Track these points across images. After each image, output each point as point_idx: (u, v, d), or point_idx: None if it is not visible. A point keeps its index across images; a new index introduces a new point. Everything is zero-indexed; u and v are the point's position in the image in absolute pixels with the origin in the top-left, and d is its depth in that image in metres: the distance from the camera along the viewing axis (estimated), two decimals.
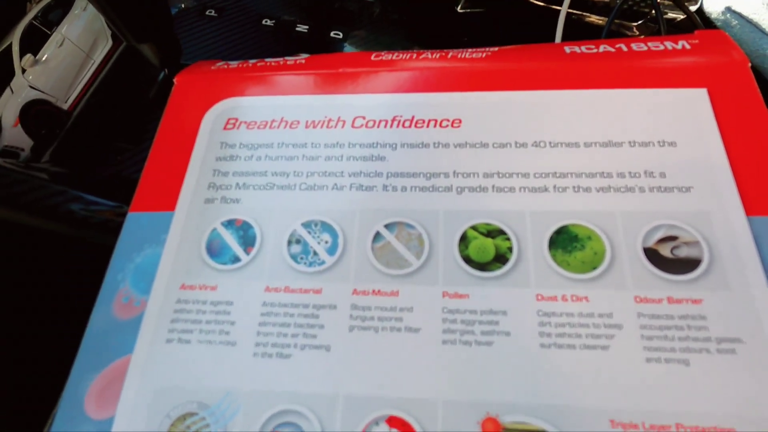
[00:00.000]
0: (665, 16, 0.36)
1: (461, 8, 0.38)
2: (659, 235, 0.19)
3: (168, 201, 0.22)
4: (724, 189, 0.20)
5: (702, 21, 0.34)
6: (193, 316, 0.20)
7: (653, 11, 0.34)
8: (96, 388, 0.19)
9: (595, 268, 0.19)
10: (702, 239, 0.19)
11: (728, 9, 0.34)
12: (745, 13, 0.33)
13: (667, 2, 0.35)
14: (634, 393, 0.17)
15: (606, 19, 0.33)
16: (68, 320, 0.22)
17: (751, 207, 0.19)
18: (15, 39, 0.37)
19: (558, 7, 0.34)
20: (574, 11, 0.35)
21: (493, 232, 0.20)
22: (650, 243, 0.19)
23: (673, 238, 0.19)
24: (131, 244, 0.22)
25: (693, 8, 0.35)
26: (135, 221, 0.22)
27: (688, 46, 0.24)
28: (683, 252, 0.19)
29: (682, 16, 0.36)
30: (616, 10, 0.31)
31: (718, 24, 0.34)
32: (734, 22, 0.34)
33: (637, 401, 0.17)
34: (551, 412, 0.17)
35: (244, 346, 0.19)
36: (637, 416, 0.16)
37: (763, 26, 0.32)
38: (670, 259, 0.19)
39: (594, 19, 0.36)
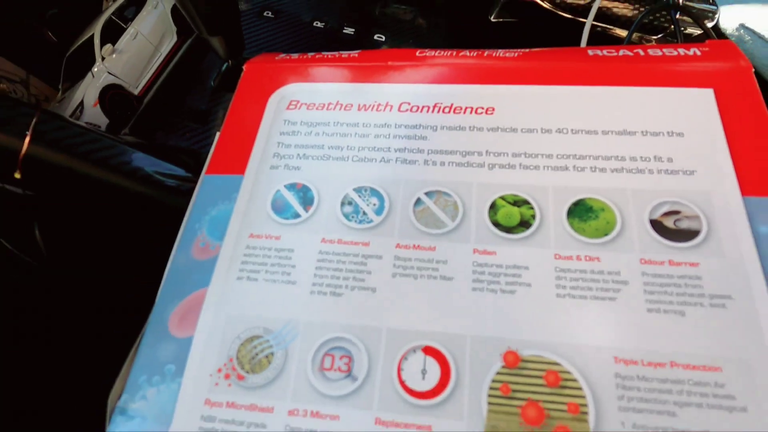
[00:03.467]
0: (684, 32, 0.39)
1: (494, 17, 0.41)
2: (664, 209, 0.22)
3: (239, 166, 0.26)
4: (724, 173, 0.22)
5: (718, 36, 0.37)
6: (259, 259, 0.23)
7: (672, 26, 0.38)
8: (178, 312, 0.22)
9: (606, 234, 0.22)
10: (702, 214, 0.22)
11: (742, 25, 0.37)
12: (757, 29, 0.36)
13: (686, 19, 0.38)
14: (636, 336, 0.20)
15: (628, 31, 0.36)
16: (144, 262, 0.26)
17: (746, 188, 0.22)
18: (96, 31, 0.42)
19: (583, 20, 0.37)
20: (599, 23, 0.38)
21: (519, 202, 0.23)
22: (656, 216, 0.22)
23: (676, 213, 0.22)
24: (207, 200, 0.25)
25: (710, 24, 0.38)
26: (210, 182, 0.26)
27: (698, 53, 0.27)
28: (684, 224, 0.22)
29: (699, 32, 0.39)
30: (638, 21, 0.35)
31: (733, 39, 0.37)
32: (747, 38, 0.36)
33: (638, 343, 0.19)
34: (563, 348, 0.20)
35: (303, 285, 0.22)
36: (638, 354, 0.19)
37: None
38: (673, 229, 0.22)
39: (617, 31, 0.40)
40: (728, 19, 0.38)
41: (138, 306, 0.24)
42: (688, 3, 0.38)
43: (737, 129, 0.24)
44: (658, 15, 0.38)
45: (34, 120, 0.26)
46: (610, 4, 0.38)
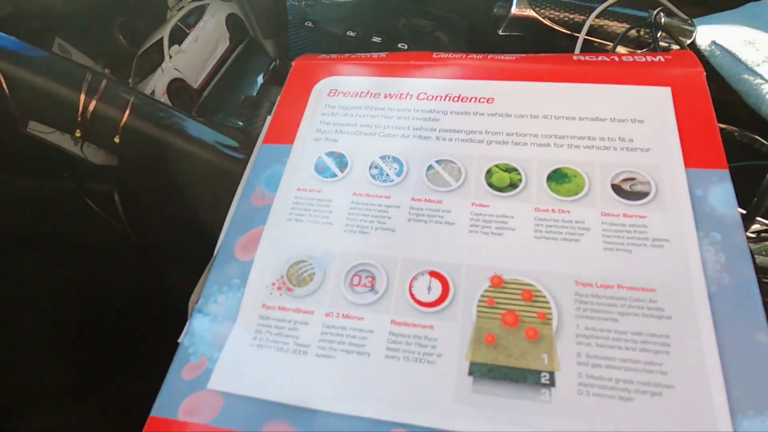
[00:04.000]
0: (667, 47, 0.45)
1: (502, 31, 0.48)
2: (623, 176, 0.28)
3: (289, 138, 0.33)
4: (672, 150, 0.29)
5: (694, 51, 0.43)
6: (304, 206, 0.30)
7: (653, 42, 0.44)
8: (241, 243, 0.29)
9: (576, 194, 0.28)
10: (652, 180, 0.28)
11: (713, 42, 0.43)
12: (726, 46, 0.42)
13: (666, 36, 0.44)
14: (593, 267, 0.26)
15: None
16: (208, 209, 0.32)
17: (688, 162, 0.28)
18: (165, 35, 0.49)
19: (578, 34, 0.43)
20: (591, 38, 0.45)
21: (510, 169, 0.30)
22: (616, 181, 0.28)
23: (632, 179, 0.28)
24: (263, 162, 0.32)
25: (688, 41, 0.44)
26: (266, 149, 0.33)
27: (663, 60, 0.33)
28: (638, 187, 0.28)
29: (677, 47, 0.45)
30: (621, 36, 0.41)
31: (706, 54, 0.43)
32: (718, 53, 0.43)
33: (594, 271, 0.25)
34: (537, 275, 0.26)
35: (338, 225, 0.29)
36: (593, 279, 0.25)
37: (739, 56, 0.41)
38: (628, 191, 0.28)
39: (608, 45, 0.46)
40: (703, 36, 0.44)
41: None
42: (669, 22, 0.45)
43: (686, 118, 0.30)
44: (643, 32, 0.44)
45: (132, 98, 0.33)
46: (601, 22, 0.45)
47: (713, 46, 0.43)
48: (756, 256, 0.38)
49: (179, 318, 0.27)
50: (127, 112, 0.33)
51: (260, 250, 0.29)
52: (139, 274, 0.43)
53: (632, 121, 0.30)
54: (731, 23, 0.44)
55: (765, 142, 0.42)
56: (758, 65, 0.41)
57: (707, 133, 0.29)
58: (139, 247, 0.41)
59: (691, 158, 0.28)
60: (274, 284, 0.28)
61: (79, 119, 0.31)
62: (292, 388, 0.24)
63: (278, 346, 0.26)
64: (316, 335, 0.26)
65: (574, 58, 0.34)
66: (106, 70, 0.51)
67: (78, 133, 0.32)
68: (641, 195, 0.27)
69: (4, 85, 0.29)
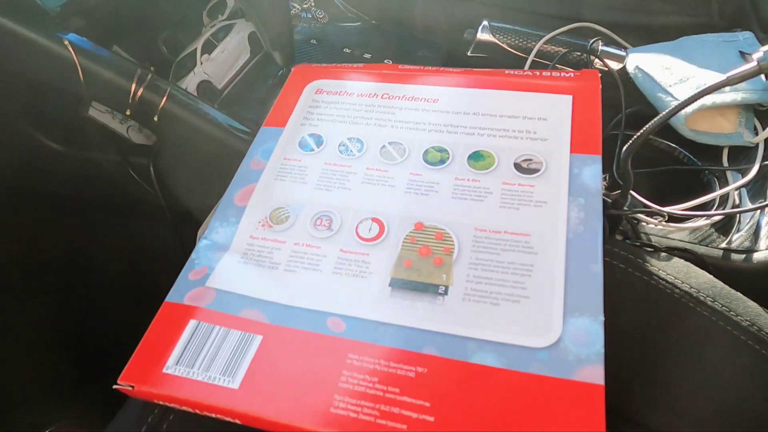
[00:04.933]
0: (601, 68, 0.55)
1: (470, 53, 0.58)
2: (523, 158, 0.38)
3: (282, 122, 0.44)
4: (563, 140, 0.38)
5: (621, 74, 0.53)
6: (288, 170, 0.40)
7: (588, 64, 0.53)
8: (239, 194, 0.40)
9: (487, 169, 0.38)
10: (544, 161, 0.37)
11: (637, 66, 0.52)
12: (647, 70, 0.52)
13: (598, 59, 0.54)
14: (489, 218, 0.35)
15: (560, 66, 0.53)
16: (220, 176, 0.43)
17: (573, 149, 0.37)
18: (199, 46, 0.62)
19: (526, 56, 0.54)
20: (538, 59, 0.55)
21: (441, 150, 0.39)
22: (518, 161, 0.38)
23: (530, 160, 0.38)
24: (261, 139, 0.43)
25: (619, 65, 0.54)
26: (264, 131, 0.44)
27: (572, 75, 0.43)
28: (533, 165, 0.37)
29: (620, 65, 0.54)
30: (558, 57, 0.51)
31: (631, 74, 0.53)
32: (640, 75, 0.52)
33: (490, 221, 0.35)
34: (449, 223, 0.35)
35: (311, 185, 0.39)
36: (488, 227, 0.35)
37: (655, 78, 0.51)
38: (525, 168, 0.37)
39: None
40: (632, 61, 0.54)
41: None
42: (604, 49, 0.54)
43: (579, 118, 0.39)
44: (582, 56, 0.54)
45: (169, 88, 0.44)
46: (548, 47, 0.55)
47: (636, 70, 0.52)
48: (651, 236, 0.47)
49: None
50: (165, 98, 0.44)
51: (252, 199, 0.39)
52: (165, 233, 0.54)
53: (539, 119, 0.40)
54: (659, 52, 0.54)
55: (679, 149, 0.51)
56: (670, 86, 0.50)
57: (592, 130, 0.38)
58: (167, 209, 0.52)
59: (576, 146, 0.38)
60: (260, 222, 0.38)
61: (130, 101, 0.42)
62: (264, 289, 0.34)
63: (258, 263, 0.36)
64: (286, 257, 0.36)
65: (506, 72, 0.44)
66: (152, 68, 0.63)
67: (128, 112, 0.43)
68: (534, 171, 0.37)
69: (80, 73, 0.40)
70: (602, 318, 0.30)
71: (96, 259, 0.57)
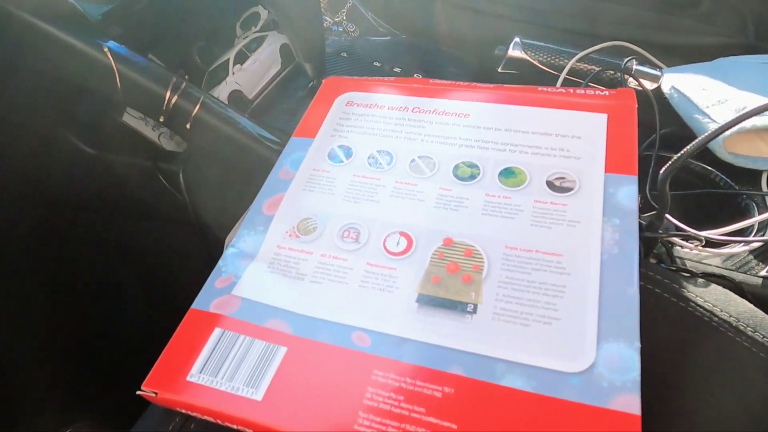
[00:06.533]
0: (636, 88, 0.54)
1: (501, 69, 0.58)
2: (556, 176, 0.37)
3: (312, 133, 0.44)
4: (597, 159, 0.37)
5: (656, 94, 0.52)
6: (316, 181, 0.40)
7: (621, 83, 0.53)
8: (268, 203, 0.40)
9: (518, 186, 0.37)
10: (577, 180, 0.36)
11: (673, 87, 0.51)
12: (683, 90, 0.51)
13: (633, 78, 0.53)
14: (520, 236, 0.34)
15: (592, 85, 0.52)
16: (249, 184, 0.43)
17: (608, 168, 0.36)
18: (231, 57, 0.63)
19: (559, 74, 0.53)
20: (570, 77, 0.54)
21: (471, 165, 0.39)
22: (551, 179, 0.37)
23: (563, 178, 0.37)
24: (291, 149, 0.43)
25: (654, 85, 0.53)
26: (294, 141, 0.44)
27: (607, 94, 0.42)
28: (566, 184, 0.36)
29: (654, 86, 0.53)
30: (591, 75, 0.50)
31: (666, 95, 0.51)
32: (675, 96, 0.51)
33: (520, 239, 0.34)
34: (478, 239, 0.35)
35: (339, 196, 0.39)
36: (518, 245, 0.34)
37: (692, 99, 0.49)
38: (558, 186, 0.36)
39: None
40: (667, 82, 0.52)
41: None
42: (638, 68, 0.53)
43: (615, 137, 0.38)
44: (615, 75, 0.53)
45: (202, 97, 0.45)
46: (581, 65, 0.54)
47: (672, 90, 0.51)
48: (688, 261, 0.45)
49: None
50: (198, 106, 0.44)
51: (280, 208, 0.39)
52: (191, 240, 0.54)
53: (572, 137, 0.39)
54: (696, 73, 0.53)
55: (716, 172, 0.50)
56: (707, 107, 0.49)
57: (627, 149, 0.38)
58: (195, 216, 0.52)
59: (611, 166, 0.37)
60: (287, 232, 0.38)
61: (164, 108, 0.43)
62: (290, 300, 0.34)
63: (284, 273, 0.35)
64: (312, 268, 0.35)
65: (539, 88, 0.44)
66: (186, 76, 0.64)
67: (161, 119, 0.44)
68: (567, 190, 0.36)
69: (118, 79, 0.41)
70: (638, 344, 0.28)
71: (122, 262, 0.58)
